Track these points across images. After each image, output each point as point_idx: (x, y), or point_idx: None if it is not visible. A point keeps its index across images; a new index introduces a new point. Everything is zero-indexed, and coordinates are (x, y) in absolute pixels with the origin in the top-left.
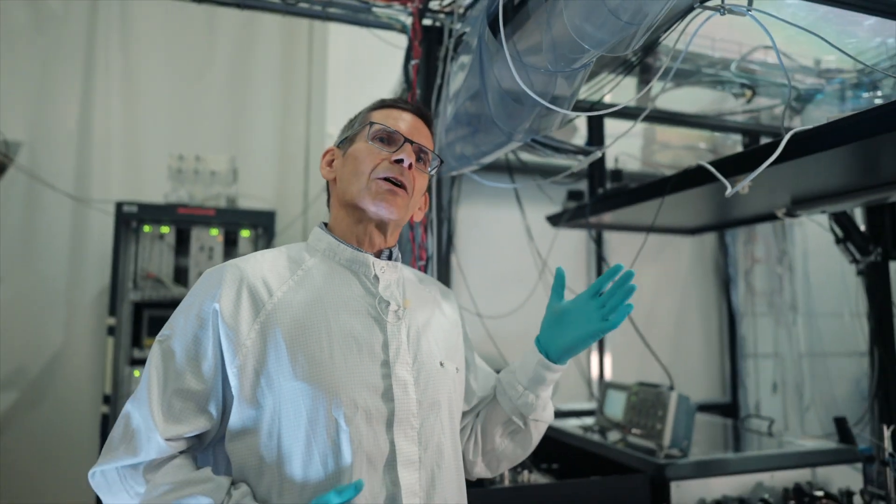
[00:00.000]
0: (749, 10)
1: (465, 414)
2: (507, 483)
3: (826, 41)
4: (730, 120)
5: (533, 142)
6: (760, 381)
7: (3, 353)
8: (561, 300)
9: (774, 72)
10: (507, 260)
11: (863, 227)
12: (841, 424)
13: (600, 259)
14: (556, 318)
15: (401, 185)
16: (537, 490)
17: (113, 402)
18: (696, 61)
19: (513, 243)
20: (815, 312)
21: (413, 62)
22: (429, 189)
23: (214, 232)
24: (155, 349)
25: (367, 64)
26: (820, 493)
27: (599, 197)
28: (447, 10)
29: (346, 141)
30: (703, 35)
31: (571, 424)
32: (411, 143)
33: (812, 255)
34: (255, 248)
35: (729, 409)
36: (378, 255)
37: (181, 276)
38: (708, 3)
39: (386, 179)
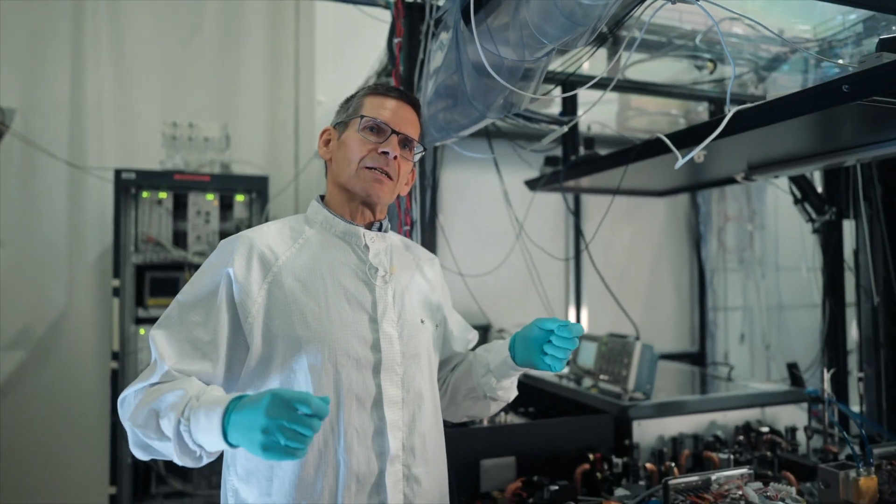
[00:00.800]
0: (697, 1)
1: (441, 364)
2: (485, 423)
3: (764, 26)
4: (698, 89)
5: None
6: (729, 331)
7: (8, 314)
8: (546, 323)
9: (742, 43)
10: (488, 222)
11: (820, 189)
12: (792, 369)
13: (578, 223)
14: (527, 332)
15: (386, 174)
16: (513, 429)
17: (121, 358)
18: (668, 33)
19: (493, 206)
20: (783, 267)
21: (396, 40)
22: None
23: (210, 197)
24: (173, 307)
25: (354, 33)
26: (765, 430)
27: (572, 164)
28: None
29: (341, 124)
30: (673, 9)
31: (547, 372)
32: (397, 133)
33: (779, 213)
34: (250, 212)
35: (697, 357)
36: (369, 226)
37: (180, 239)
38: None
39: (374, 168)
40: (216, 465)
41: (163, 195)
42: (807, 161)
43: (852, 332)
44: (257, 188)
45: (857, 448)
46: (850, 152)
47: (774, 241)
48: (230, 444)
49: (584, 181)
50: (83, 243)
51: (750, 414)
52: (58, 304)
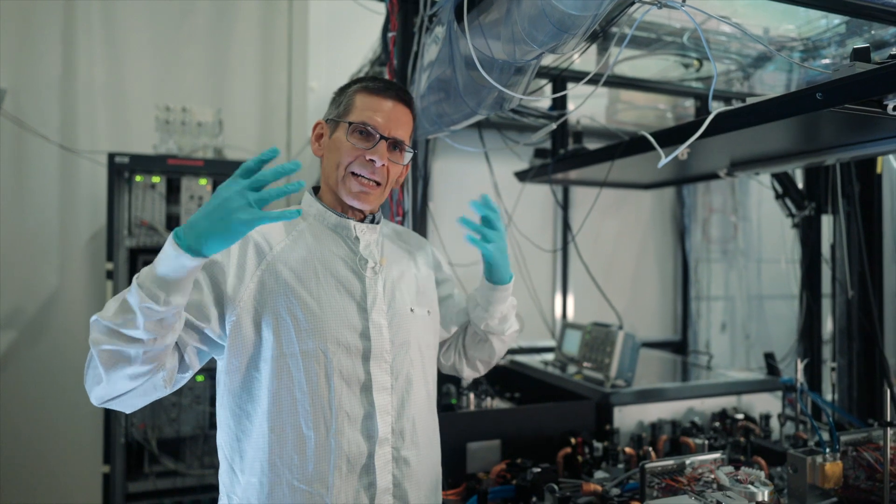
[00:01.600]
0: (683, 5)
1: (450, 337)
2: (472, 408)
3: (746, 32)
4: (685, 85)
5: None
6: (711, 320)
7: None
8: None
9: (728, 42)
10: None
11: (801, 185)
12: (768, 358)
13: (566, 213)
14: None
15: (374, 181)
16: (498, 413)
17: None
18: (657, 30)
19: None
20: (765, 258)
21: (390, 34)
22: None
23: (203, 182)
24: None
25: (347, 20)
26: (740, 416)
27: (560, 157)
28: None
29: (331, 122)
30: (635, 9)
31: (534, 360)
32: (386, 139)
33: (763, 206)
34: None
35: (679, 346)
36: (361, 218)
37: (173, 224)
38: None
39: (360, 176)
40: (209, 444)
41: (156, 179)
42: (787, 160)
43: (827, 323)
44: None
45: (825, 435)
46: (829, 153)
47: (757, 233)
48: (193, 251)
49: (573, 174)
50: (75, 225)
51: (727, 401)
52: (49, 284)
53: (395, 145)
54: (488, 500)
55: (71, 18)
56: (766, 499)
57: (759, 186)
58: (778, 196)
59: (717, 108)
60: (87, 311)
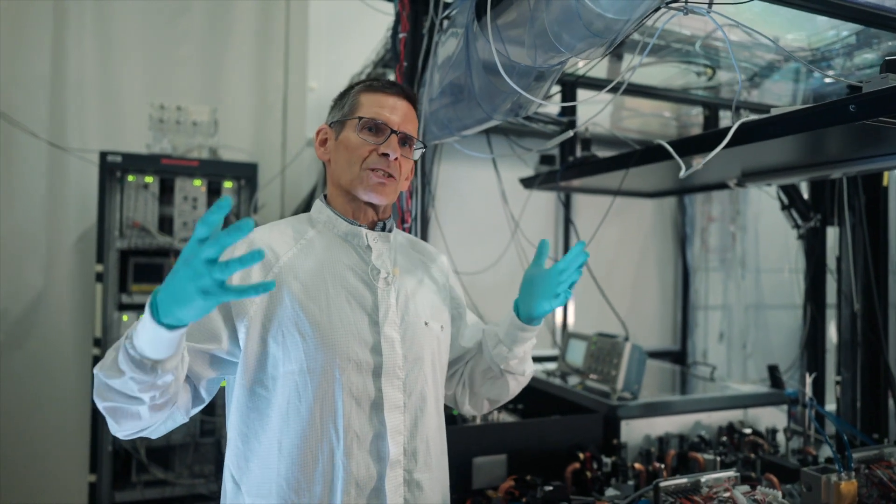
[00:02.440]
0: (709, 12)
1: (453, 363)
2: (478, 421)
3: (769, 39)
4: (692, 94)
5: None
6: (709, 330)
7: None
8: (538, 268)
9: (737, 50)
10: (483, 218)
11: (806, 196)
12: (772, 371)
13: (567, 219)
14: (528, 284)
15: (389, 175)
16: (504, 427)
17: (103, 345)
18: (667, 37)
19: (488, 202)
20: (763, 268)
21: (401, 35)
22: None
23: (198, 182)
24: None
25: (349, 19)
26: (748, 431)
27: (570, 164)
28: None
29: (337, 124)
30: (658, 15)
31: (535, 369)
32: (397, 133)
33: (762, 216)
34: (239, 200)
35: (678, 356)
36: (373, 226)
37: (166, 225)
38: (673, 5)
39: (375, 170)
40: (199, 453)
41: (149, 179)
42: (799, 171)
43: (827, 334)
44: (246, 175)
45: (835, 452)
46: (841, 166)
47: (755, 242)
48: (167, 325)
49: (579, 181)
50: (63, 225)
51: (732, 415)
52: (35, 285)
53: (405, 140)
54: None
55: (62, 13)
56: None
57: (758, 196)
58: (784, 207)
59: (725, 117)
60: (74, 315)
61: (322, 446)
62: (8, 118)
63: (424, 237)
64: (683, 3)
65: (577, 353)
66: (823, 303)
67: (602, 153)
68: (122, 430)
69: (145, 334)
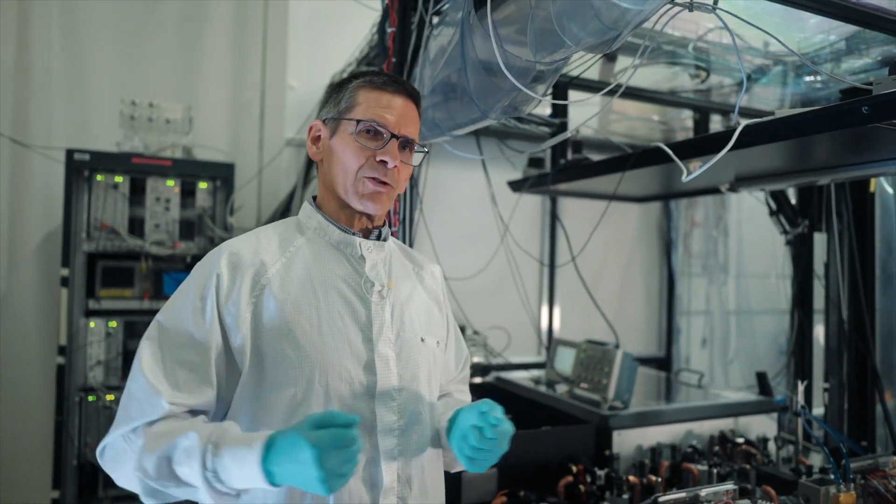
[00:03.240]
0: (714, 9)
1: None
2: None
3: (778, 40)
4: (685, 97)
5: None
6: (692, 336)
7: None
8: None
9: (728, 53)
10: (470, 222)
11: (794, 202)
12: (761, 378)
13: (554, 221)
14: (457, 422)
15: (386, 183)
16: None
17: (68, 353)
18: (657, 39)
19: (475, 205)
20: (747, 274)
21: (390, 30)
22: None
23: (171, 183)
24: (153, 328)
25: (331, 15)
26: (741, 440)
27: (561, 167)
28: None
29: (332, 121)
30: (662, 15)
31: (522, 376)
32: (397, 137)
33: (745, 221)
34: (214, 201)
35: (663, 362)
36: (367, 234)
37: (136, 227)
38: (678, 0)
39: (372, 178)
40: None
41: (119, 179)
42: (791, 176)
43: (812, 340)
44: (222, 175)
45: (834, 463)
46: (831, 171)
47: (738, 248)
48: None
49: (569, 185)
50: (26, 226)
51: (724, 424)
52: None
53: (406, 144)
54: None
55: (27, 3)
56: None
57: (740, 202)
58: (772, 213)
59: (715, 122)
60: (37, 321)
61: None
62: None
63: (411, 241)
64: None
65: (565, 361)
66: (811, 309)
67: (590, 157)
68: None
69: (245, 480)
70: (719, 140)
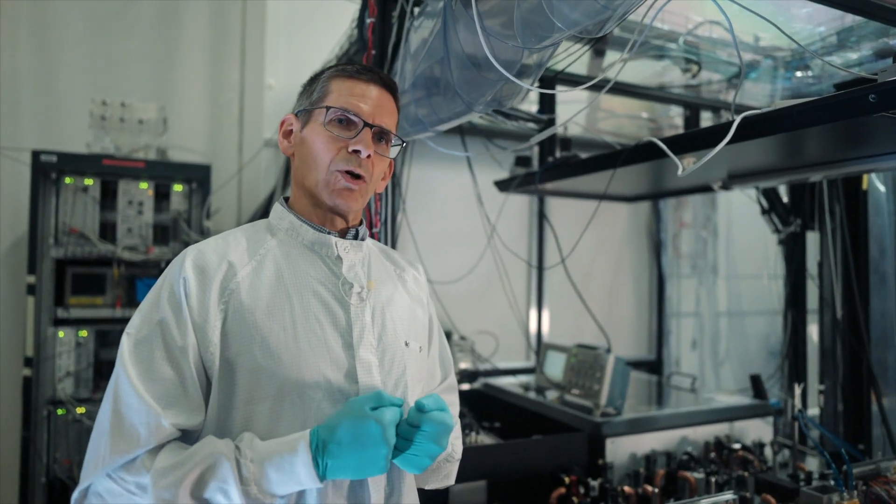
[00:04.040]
0: None
1: None
2: None
3: (780, 29)
4: (676, 93)
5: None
6: (681, 337)
7: None
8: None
9: (716, 47)
10: (456, 222)
11: (785, 200)
12: (755, 381)
13: (542, 222)
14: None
15: (359, 176)
16: (482, 450)
17: (35, 364)
18: (646, 33)
19: (460, 206)
20: (737, 274)
21: (369, 20)
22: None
23: (144, 185)
24: (126, 344)
25: (309, 12)
26: (737, 446)
27: (550, 165)
28: None
29: (303, 112)
30: (648, 5)
31: (511, 383)
32: (371, 126)
33: (735, 221)
34: (189, 204)
35: (654, 365)
36: (343, 233)
37: (108, 232)
38: None
39: (344, 171)
40: None
41: (89, 182)
42: (785, 173)
43: (809, 339)
44: (198, 178)
45: (836, 470)
46: (824, 167)
47: (727, 247)
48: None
49: (555, 184)
50: None
51: (719, 429)
52: None
53: (381, 136)
54: None
55: None
56: None
57: (729, 202)
58: (764, 211)
59: (705, 119)
60: (3, 331)
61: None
62: None
63: (394, 243)
64: None
65: (555, 366)
66: (804, 309)
67: (579, 155)
68: None
69: (287, 485)
70: (715, 134)
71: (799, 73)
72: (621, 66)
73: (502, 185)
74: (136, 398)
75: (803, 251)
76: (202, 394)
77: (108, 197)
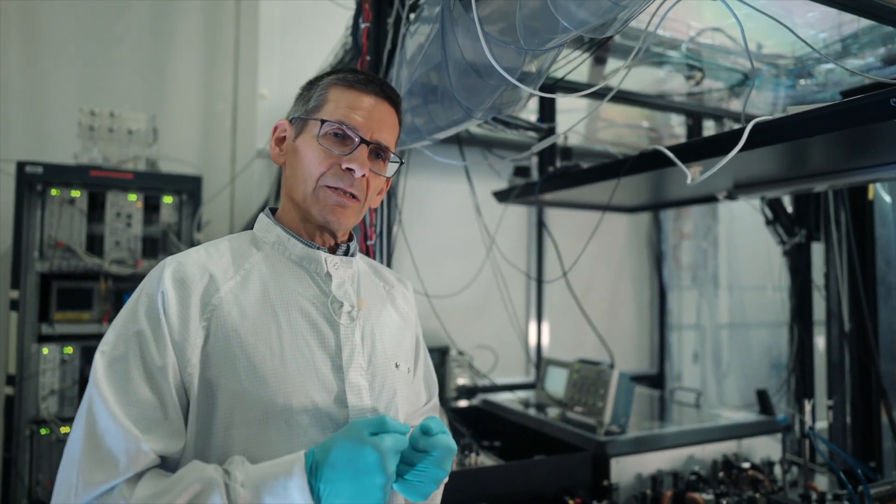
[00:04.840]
0: None
1: None
2: (454, 467)
3: (791, 30)
4: (675, 101)
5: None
6: (683, 350)
7: None
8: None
9: (718, 54)
10: (454, 234)
11: (790, 210)
12: (762, 397)
13: (541, 233)
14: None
15: (351, 194)
16: (483, 472)
17: (18, 382)
18: (647, 40)
19: (459, 217)
20: (741, 286)
21: (363, 25)
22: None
23: (133, 197)
24: (100, 362)
25: (303, 21)
26: (746, 465)
27: (551, 175)
28: None
29: (298, 120)
30: (651, 12)
31: (510, 399)
32: (367, 143)
33: (737, 232)
34: (180, 216)
35: (656, 379)
36: (333, 249)
37: (95, 245)
38: None
39: (335, 188)
40: None
41: (76, 193)
42: (790, 182)
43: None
44: (189, 189)
45: (853, 492)
46: (840, 175)
47: (728, 258)
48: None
49: (555, 195)
50: None
51: (727, 447)
52: None
53: (378, 152)
54: None
55: None
56: None
57: (730, 212)
58: (769, 222)
59: (708, 127)
60: None
61: None
62: None
63: (390, 256)
64: None
65: (557, 382)
66: (811, 321)
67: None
68: None
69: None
70: (724, 141)
71: (802, 81)
72: (625, 74)
73: (501, 196)
74: (112, 422)
75: (808, 262)
76: (182, 417)
77: (96, 209)
